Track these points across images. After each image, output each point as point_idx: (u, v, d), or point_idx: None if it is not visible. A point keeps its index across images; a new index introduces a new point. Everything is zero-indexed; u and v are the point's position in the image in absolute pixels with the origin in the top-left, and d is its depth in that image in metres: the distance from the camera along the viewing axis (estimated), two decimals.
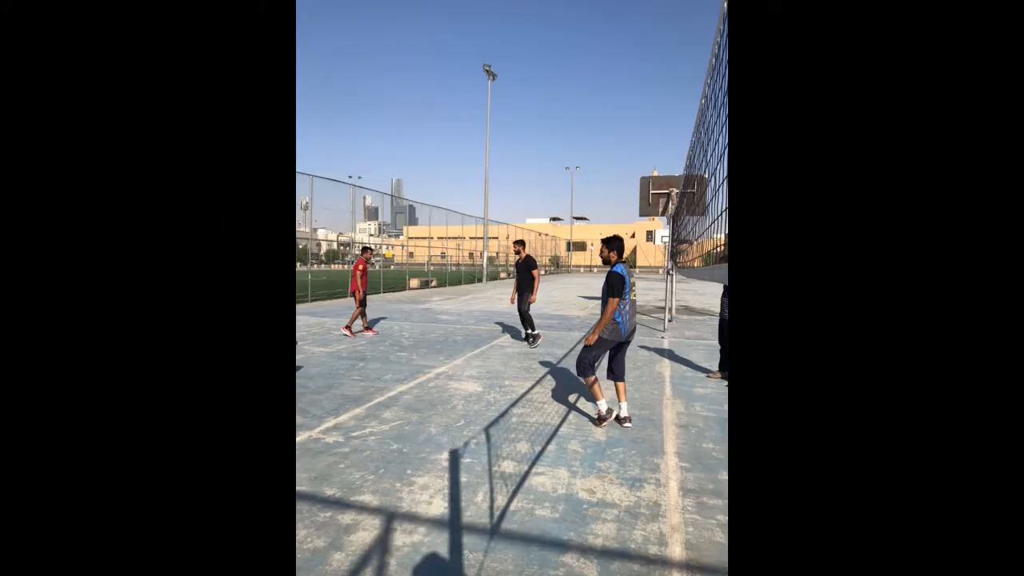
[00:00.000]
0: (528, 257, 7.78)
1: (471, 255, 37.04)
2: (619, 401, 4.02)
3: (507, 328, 9.38)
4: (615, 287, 3.80)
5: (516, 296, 7.77)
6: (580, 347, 4.56)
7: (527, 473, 3.06)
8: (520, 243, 8.00)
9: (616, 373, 4.05)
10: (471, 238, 30.65)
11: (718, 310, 9.50)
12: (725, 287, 4.76)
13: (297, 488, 2.82)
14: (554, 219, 70.81)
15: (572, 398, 4.72)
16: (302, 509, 2.60)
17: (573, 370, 5.83)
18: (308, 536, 2.34)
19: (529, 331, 7.62)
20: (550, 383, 5.28)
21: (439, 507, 2.63)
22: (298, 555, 2.19)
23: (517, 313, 7.83)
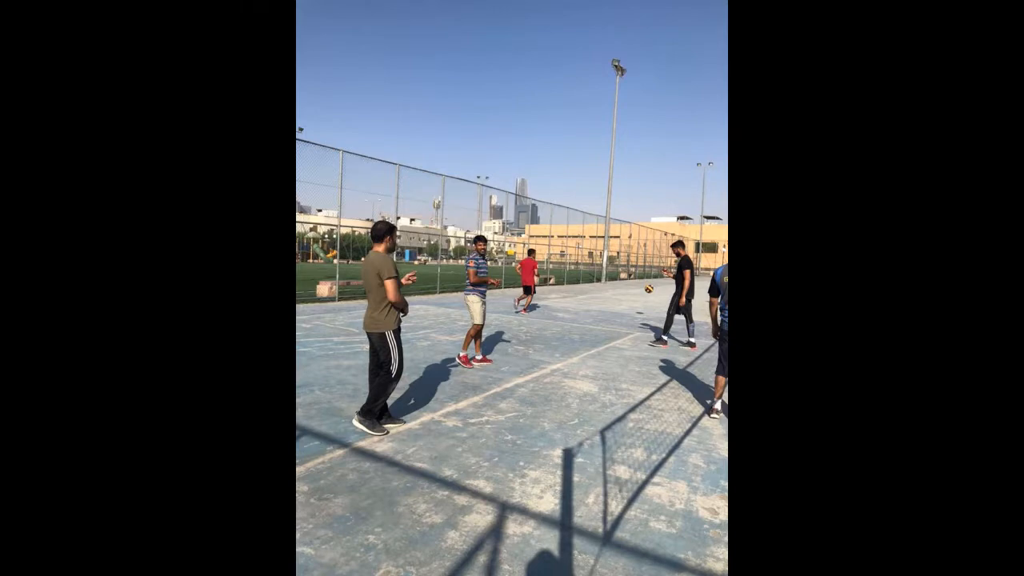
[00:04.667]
0: (684, 258, 7.56)
1: (591, 254, 36.63)
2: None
3: (627, 329, 9.09)
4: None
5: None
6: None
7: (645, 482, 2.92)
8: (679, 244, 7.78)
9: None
10: (591, 237, 30.29)
11: None
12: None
13: (417, 466, 3.03)
14: (682, 218, 67.01)
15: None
16: (422, 485, 2.78)
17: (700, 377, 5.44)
18: (427, 511, 2.50)
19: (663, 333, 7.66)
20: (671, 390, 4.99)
21: (550, 503, 2.63)
22: (415, 529, 2.34)
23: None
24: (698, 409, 4.40)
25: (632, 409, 4.31)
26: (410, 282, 3.83)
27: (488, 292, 6.92)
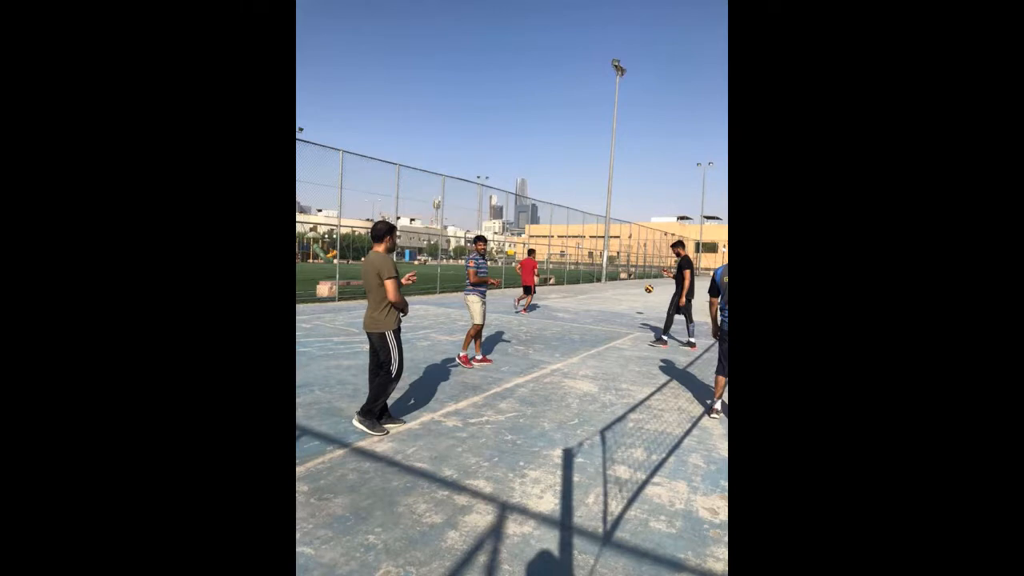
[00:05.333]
0: (684, 258, 7.58)
1: (591, 254, 36.69)
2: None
3: (627, 329, 9.09)
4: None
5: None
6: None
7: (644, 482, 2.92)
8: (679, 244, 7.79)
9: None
10: (591, 237, 30.32)
11: None
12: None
13: (417, 466, 3.02)
14: (682, 218, 67.02)
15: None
16: (422, 485, 2.78)
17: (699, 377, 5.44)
18: (427, 511, 2.49)
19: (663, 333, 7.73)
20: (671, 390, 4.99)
21: (549, 503, 2.63)
22: (415, 529, 2.34)
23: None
24: (698, 409, 4.40)
25: (632, 409, 4.31)
26: (410, 282, 3.83)
27: (488, 292, 6.92)
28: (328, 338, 6.96)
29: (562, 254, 32.63)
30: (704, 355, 6.94)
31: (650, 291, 11.61)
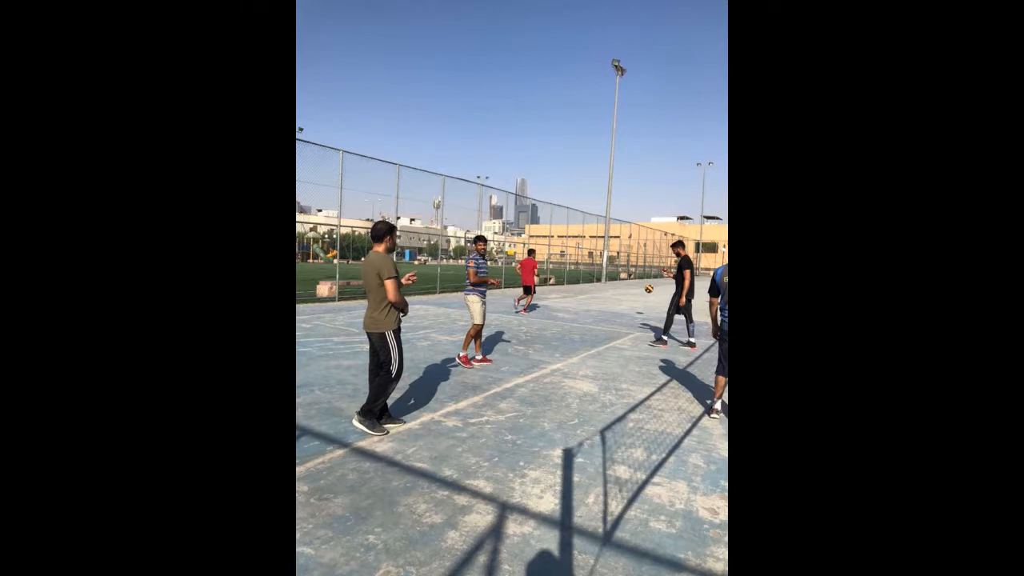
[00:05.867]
0: (684, 258, 7.57)
1: (591, 254, 36.74)
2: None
3: (628, 329, 9.08)
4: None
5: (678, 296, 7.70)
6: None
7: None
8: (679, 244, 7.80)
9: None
10: (591, 237, 30.33)
11: None
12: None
13: (417, 466, 3.02)
14: (682, 218, 67.03)
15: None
16: (422, 485, 2.78)
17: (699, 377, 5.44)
18: (427, 511, 2.49)
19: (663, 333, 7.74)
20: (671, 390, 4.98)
21: (549, 503, 2.63)
22: (415, 529, 2.34)
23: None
24: (698, 409, 4.40)
25: (632, 409, 4.31)
26: (410, 282, 3.83)
27: (488, 292, 6.93)
28: (328, 338, 6.96)
29: (562, 254, 32.65)
30: (704, 355, 6.94)
31: (650, 291, 11.60)
